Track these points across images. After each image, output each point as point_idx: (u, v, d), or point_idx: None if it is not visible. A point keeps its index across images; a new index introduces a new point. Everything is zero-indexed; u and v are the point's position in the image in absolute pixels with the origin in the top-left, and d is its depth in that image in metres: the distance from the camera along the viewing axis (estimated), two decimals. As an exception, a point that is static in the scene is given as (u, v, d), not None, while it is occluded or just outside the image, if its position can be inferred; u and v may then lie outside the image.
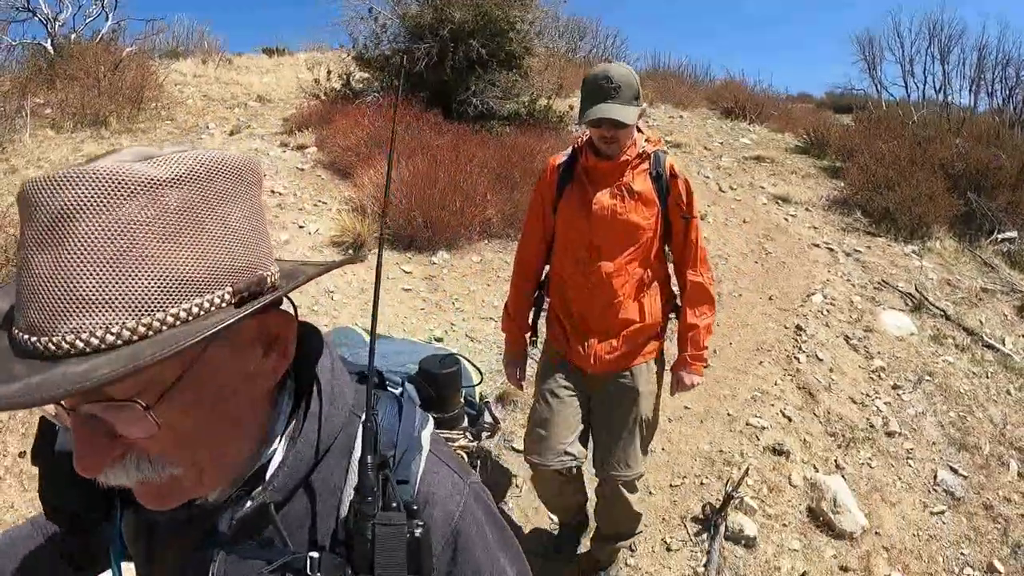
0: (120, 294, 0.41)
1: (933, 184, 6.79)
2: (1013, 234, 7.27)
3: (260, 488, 0.57)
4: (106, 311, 0.41)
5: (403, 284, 3.96)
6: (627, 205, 1.83)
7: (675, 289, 2.03)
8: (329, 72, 7.17)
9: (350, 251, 4.08)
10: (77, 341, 0.41)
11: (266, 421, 0.58)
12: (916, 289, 4.85)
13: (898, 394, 3.65)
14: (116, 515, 0.65)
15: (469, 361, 0.96)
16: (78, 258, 0.41)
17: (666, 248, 1.99)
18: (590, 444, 2.03)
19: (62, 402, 0.46)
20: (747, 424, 3.10)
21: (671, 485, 2.70)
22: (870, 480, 3.01)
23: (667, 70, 14.95)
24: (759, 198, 7.06)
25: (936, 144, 7.82)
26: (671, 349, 2.00)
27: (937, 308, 4.71)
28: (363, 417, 0.59)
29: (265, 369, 0.54)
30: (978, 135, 8.54)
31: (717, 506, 2.52)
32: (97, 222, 0.41)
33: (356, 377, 0.67)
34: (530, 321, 2.09)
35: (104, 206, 0.41)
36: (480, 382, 0.93)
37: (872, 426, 3.32)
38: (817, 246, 5.65)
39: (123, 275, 0.42)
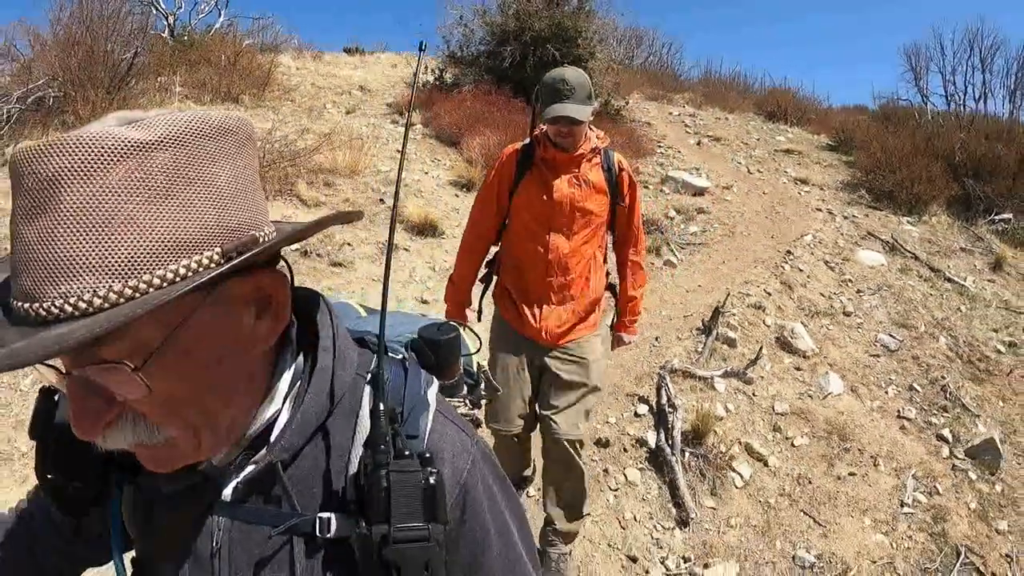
0: (106, 258, 0.43)
1: (932, 169, 8.18)
2: (1008, 216, 8.56)
3: (265, 450, 0.58)
4: (93, 275, 0.43)
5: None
6: (583, 193, 2.07)
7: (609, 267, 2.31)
8: (427, 68, 9.07)
9: (464, 188, 5.85)
10: (65, 305, 0.43)
11: (266, 383, 0.59)
12: (892, 237, 6.32)
13: (859, 295, 5.16)
14: (114, 490, 0.66)
15: (469, 328, 0.99)
16: (65, 224, 0.43)
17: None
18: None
19: (59, 366, 0.48)
20: (739, 293, 4.66)
21: (683, 316, 4.33)
22: (825, 335, 4.53)
23: (719, 77, 16.51)
24: (781, 179, 8.56)
25: (941, 138, 9.19)
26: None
27: (909, 251, 6.17)
28: (368, 377, 0.62)
29: (259, 332, 0.55)
30: (986, 132, 9.83)
31: (710, 316, 4.14)
32: (83, 188, 0.43)
33: (356, 343, 0.69)
34: (478, 300, 2.32)
35: (90, 172, 0.43)
36: (478, 350, 0.94)
37: (832, 307, 4.85)
38: (820, 210, 7.15)
39: (109, 239, 0.43)
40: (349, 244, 4.41)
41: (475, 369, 0.93)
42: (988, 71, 15.53)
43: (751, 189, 7.77)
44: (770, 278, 5.10)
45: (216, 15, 12.25)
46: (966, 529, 3.10)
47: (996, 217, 8.36)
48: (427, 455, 0.57)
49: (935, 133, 9.51)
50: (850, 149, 10.43)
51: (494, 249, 2.31)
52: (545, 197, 2.07)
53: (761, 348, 3.81)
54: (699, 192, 7.35)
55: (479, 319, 2.33)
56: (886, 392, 4.09)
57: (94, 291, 0.43)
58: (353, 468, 0.58)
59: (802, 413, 3.64)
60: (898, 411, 3.91)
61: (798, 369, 4.04)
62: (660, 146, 9.09)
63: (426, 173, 6.11)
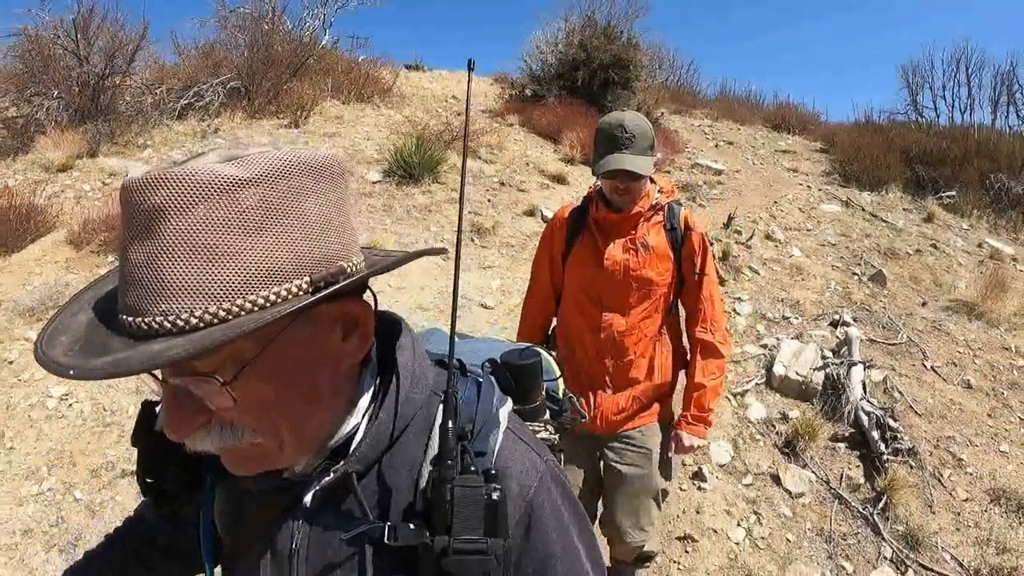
0: (202, 283, 0.52)
1: (889, 158, 12.20)
2: (953, 193, 12.54)
3: (343, 460, 0.68)
4: (191, 297, 0.52)
5: (594, 173, 9.72)
6: (640, 260, 1.97)
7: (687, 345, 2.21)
8: (512, 84, 13.24)
9: (569, 163, 9.84)
10: (165, 322, 0.52)
11: (349, 398, 0.71)
12: (848, 197, 10.33)
13: (818, 224, 9.10)
14: (206, 490, 0.79)
15: (551, 355, 1.07)
16: (165, 252, 0.52)
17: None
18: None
19: (157, 374, 0.58)
20: (743, 216, 8.63)
21: (711, 224, 8.30)
22: (793, 237, 8.41)
23: (733, 95, 20.04)
24: (777, 168, 12.56)
25: (902, 138, 13.32)
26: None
27: (859, 206, 10.14)
28: (443, 396, 0.70)
29: (345, 351, 0.67)
30: (942, 134, 13.93)
31: (726, 220, 8.12)
32: (182, 221, 0.52)
33: (436, 364, 0.80)
34: None
35: (190, 206, 0.52)
36: (560, 376, 1.02)
37: (800, 227, 8.79)
38: (801, 185, 11.17)
39: (205, 267, 0.52)
40: (524, 179, 8.41)
41: (560, 395, 1.03)
42: (977, 86, 18.29)
43: (754, 173, 11.79)
44: (762, 212, 9.07)
45: (323, 33, 16.09)
46: (863, 297, 6.88)
47: (944, 194, 12.32)
48: (493, 472, 0.65)
49: (898, 134, 13.65)
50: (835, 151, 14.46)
51: (555, 321, 2.26)
52: (596, 265, 2.01)
53: (754, 232, 7.79)
54: (717, 172, 11.37)
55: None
56: (826, 258, 8.00)
57: (191, 311, 0.52)
58: (423, 481, 0.67)
59: (776, 260, 7.54)
60: (832, 264, 7.82)
61: (775, 247, 7.97)
62: (686, 148, 13.17)
63: (540, 154, 10.13)
